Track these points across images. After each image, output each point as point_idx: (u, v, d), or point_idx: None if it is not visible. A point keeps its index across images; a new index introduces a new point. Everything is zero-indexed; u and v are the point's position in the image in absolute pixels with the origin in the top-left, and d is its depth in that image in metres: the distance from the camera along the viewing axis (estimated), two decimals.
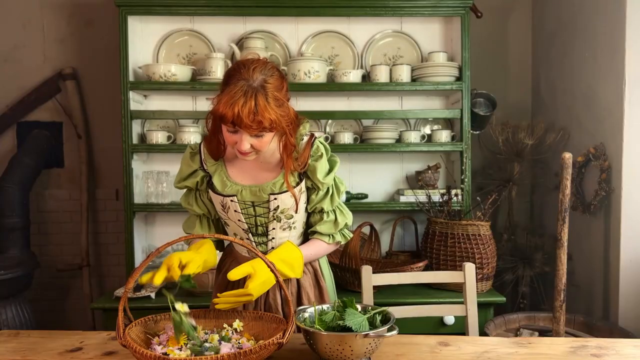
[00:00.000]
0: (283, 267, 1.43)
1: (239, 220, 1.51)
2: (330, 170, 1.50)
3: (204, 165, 1.53)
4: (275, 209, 1.48)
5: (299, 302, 1.57)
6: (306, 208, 1.55)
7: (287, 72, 2.63)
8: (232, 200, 1.49)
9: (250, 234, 1.54)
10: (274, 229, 1.52)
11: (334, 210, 1.54)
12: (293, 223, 1.53)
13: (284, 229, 1.53)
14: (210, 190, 1.53)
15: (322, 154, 1.49)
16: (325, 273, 1.66)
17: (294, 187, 1.47)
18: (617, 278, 2.29)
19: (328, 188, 1.52)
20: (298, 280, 1.57)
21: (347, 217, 1.56)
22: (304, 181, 1.50)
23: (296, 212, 1.51)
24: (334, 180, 1.53)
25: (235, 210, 1.50)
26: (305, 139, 1.50)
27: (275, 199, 1.47)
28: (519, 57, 3.14)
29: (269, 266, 1.31)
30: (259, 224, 1.51)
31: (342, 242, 1.58)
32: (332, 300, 1.59)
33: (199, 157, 1.53)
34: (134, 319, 1.33)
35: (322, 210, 1.53)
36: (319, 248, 1.55)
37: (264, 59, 1.40)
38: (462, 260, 2.32)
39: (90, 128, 3.07)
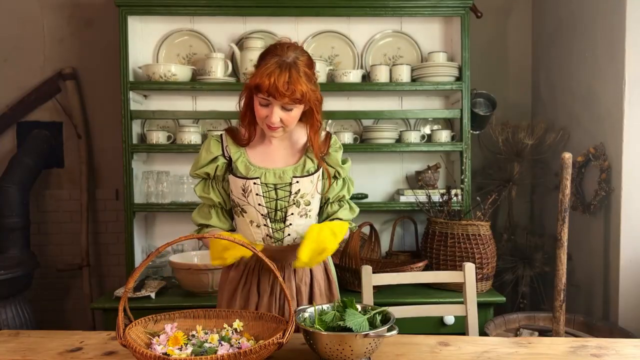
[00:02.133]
0: (334, 238, 1.48)
1: (259, 204, 1.55)
2: (347, 162, 1.65)
3: (225, 152, 1.58)
4: (296, 193, 1.55)
5: (311, 292, 1.61)
6: (320, 199, 1.63)
7: None
8: (254, 183, 1.53)
9: (268, 220, 1.56)
10: (292, 214, 1.56)
11: (347, 201, 1.67)
12: (310, 210, 1.59)
13: (301, 216, 1.57)
14: (231, 175, 1.57)
15: (340, 146, 1.64)
16: (332, 268, 1.70)
17: (313, 173, 1.57)
18: (617, 278, 2.29)
19: (344, 179, 1.65)
20: (311, 271, 1.61)
21: (357, 208, 1.69)
22: (321, 169, 1.59)
23: (316, 192, 1.58)
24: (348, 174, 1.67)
25: (256, 194, 1.54)
26: (324, 133, 1.62)
27: (297, 182, 1.54)
28: (519, 57, 3.14)
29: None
30: (278, 208, 1.55)
31: (353, 231, 1.70)
32: (338, 295, 1.65)
33: (221, 144, 1.60)
34: (134, 319, 1.33)
35: (341, 199, 1.65)
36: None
37: (294, 42, 1.52)
38: (462, 260, 2.32)
39: (90, 128, 3.07)
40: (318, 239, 1.44)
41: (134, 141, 2.65)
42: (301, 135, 1.60)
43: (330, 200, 1.64)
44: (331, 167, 1.61)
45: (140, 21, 2.73)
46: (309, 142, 1.57)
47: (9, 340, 1.49)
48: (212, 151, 1.58)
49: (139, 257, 2.66)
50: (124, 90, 2.57)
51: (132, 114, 2.60)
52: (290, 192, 1.55)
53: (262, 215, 1.56)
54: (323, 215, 1.66)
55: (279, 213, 1.56)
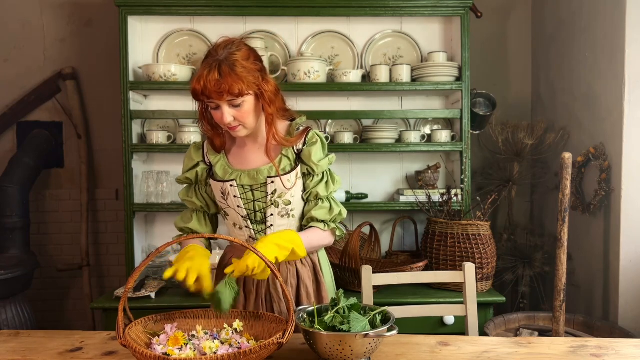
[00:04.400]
0: (277, 250, 1.40)
1: (238, 206, 1.54)
2: (324, 158, 1.56)
3: (205, 158, 1.59)
4: (273, 193, 1.52)
5: (298, 294, 1.59)
6: (302, 197, 1.58)
7: (287, 72, 2.63)
8: (231, 185, 1.53)
9: (249, 221, 1.56)
10: (272, 215, 1.54)
11: (328, 199, 1.58)
12: (291, 210, 1.56)
13: (282, 216, 1.55)
14: (211, 180, 1.58)
15: (316, 140, 1.54)
16: (325, 270, 1.67)
17: (289, 172, 1.52)
18: (617, 278, 2.29)
19: (323, 174, 1.56)
20: (297, 272, 1.59)
21: (341, 208, 1.59)
22: (299, 166, 1.54)
23: (286, 188, 1.52)
24: (329, 170, 1.58)
25: (234, 196, 1.54)
26: (301, 128, 1.57)
27: (272, 182, 1.51)
28: (519, 57, 3.14)
29: (262, 259, 1.29)
30: (257, 209, 1.54)
31: (337, 234, 1.60)
32: (329, 299, 1.60)
33: (202, 151, 1.61)
34: (134, 319, 1.33)
35: (317, 196, 1.55)
36: (315, 233, 1.55)
37: (233, 38, 1.47)
38: (462, 260, 2.32)
39: (90, 128, 3.08)
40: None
41: (134, 141, 2.65)
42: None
43: (307, 198, 1.57)
44: (304, 163, 1.54)
45: (140, 21, 2.73)
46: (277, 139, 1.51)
47: (9, 340, 1.49)
48: (193, 158, 1.60)
49: (139, 257, 2.66)
50: (124, 90, 2.58)
51: (132, 114, 2.60)
52: (267, 192, 1.52)
53: (242, 217, 1.56)
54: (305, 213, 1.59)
55: (258, 214, 1.55)
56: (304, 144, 1.54)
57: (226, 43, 1.43)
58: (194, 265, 1.33)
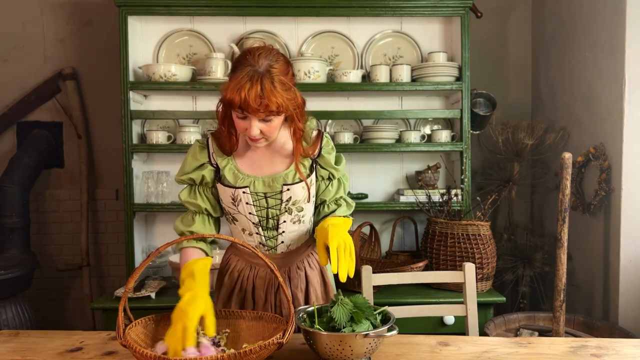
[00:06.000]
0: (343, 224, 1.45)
1: (249, 213, 1.51)
2: (342, 161, 1.60)
3: (212, 159, 1.52)
4: (288, 200, 1.50)
5: (307, 297, 1.59)
6: (315, 202, 1.58)
7: None
8: (244, 192, 1.48)
9: (260, 228, 1.53)
10: (284, 221, 1.53)
11: (345, 198, 1.62)
12: (303, 216, 1.55)
13: (294, 222, 1.54)
14: (219, 184, 1.51)
15: (333, 147, 1.57)
16: (329, 271, 1.68)
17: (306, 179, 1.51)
18: (617, 278, 2.29)
19: (339, 179, 1.59)
20: (307, 277, 1.59)
21: (354, 203, 1.64)
22: (314, 173, 1.54)
23: (308, 201, 1.52)
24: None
25: (246, 203, 1.49)
26: (315, 132, 1.55)
27: (288, 189, 1.49)
28: (519, 57, 3.14)
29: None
30: (270, 216, 1.51)
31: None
32: None
33: (207, 150, 1.53)
34: (134, 319, 1.33)
35: (337, 199, 1.59)
36: None
37: (269, 45, 1.43)
38: (462, 260, 2.32)
39: (90, 128, 3.07)
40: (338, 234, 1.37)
41: (134, 141, 2.65)
42: (289, 139, 1.51)
43: (327, 202, 1.58)
44: (324, 169, 1.54)
45: (140, 21, 2.73)
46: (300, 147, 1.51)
47: (9, 340, 1.49)
48: (199, 158, 1.52)
49: (139, 257, 2.66)
50: (124, 90, 2.57)
51: (132, 114, 2.60)
52: (282, 200, 1.49)
53: (253, 223, 1.52)
54: (320, 216, 1.58)
55: (270, 221, 1.52)
56: (320, 149, 1.53)
57: (266, 52, 1.37)
58: (198, 305, 1.24)
